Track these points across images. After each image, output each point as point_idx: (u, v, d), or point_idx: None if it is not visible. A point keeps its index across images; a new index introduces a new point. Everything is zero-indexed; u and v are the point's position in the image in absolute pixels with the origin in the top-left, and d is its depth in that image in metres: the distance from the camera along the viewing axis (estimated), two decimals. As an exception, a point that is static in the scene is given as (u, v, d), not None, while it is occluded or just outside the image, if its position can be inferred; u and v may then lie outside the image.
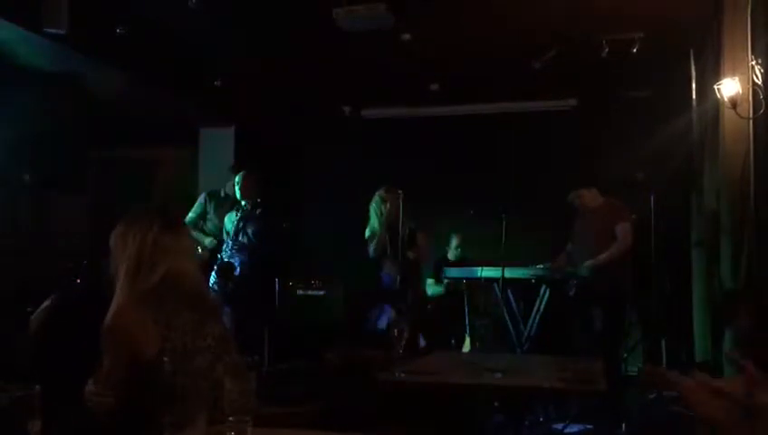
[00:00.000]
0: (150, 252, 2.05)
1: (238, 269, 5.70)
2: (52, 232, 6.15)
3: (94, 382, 1.99)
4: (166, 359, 1.89)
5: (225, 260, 5.69)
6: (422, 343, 6.39)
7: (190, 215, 5.99)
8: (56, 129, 5.60)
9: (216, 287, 5.52)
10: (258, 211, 5.79)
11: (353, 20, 4.93)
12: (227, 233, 5.79)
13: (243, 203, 5.76)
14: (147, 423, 1.84)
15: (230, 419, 1.73)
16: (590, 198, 5.41)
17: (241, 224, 5.71)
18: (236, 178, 5.85)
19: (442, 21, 5.36)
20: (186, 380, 1.91)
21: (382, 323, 5.53)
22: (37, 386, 1.48)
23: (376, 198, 5.55)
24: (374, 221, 5.51)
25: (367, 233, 5.55)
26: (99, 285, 2.05)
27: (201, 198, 6.16)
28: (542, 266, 5.62)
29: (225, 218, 5.88)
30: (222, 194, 6.12)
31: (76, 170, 5.83)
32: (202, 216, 6.05)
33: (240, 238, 5.72)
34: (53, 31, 4.65)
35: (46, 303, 2.65)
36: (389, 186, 5.54)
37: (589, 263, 5.17)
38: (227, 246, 5.72)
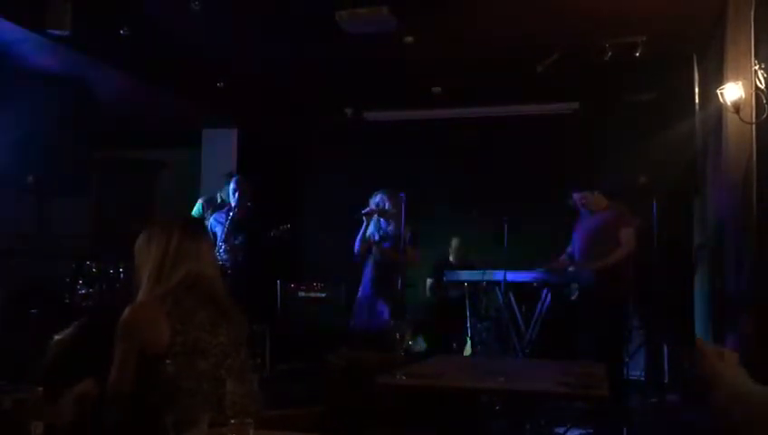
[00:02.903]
0: (172, 257, 2.15)
1: (230, 271, 5.73)
2: (54, 233, 6.16)
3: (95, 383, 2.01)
4: (168, 361, 1.89)
5: (220, 262, 5.72)
6: (423, 346, 6.39)
7: None
8: (59, 130, 5.61)
9: None
10: (249, 216, 5.84)
11: (356, 22, 4.93)
12: (215, 235, 5.82)
13: (233, 207, 5.79)
14: (150, 423, 1.84)
15: (232, 420, 1.73)
16: (594, 201, 5.41)
17: (231, 227, 5.74)
18: (231, 184, 5.89)
19: (444, 24, 5.36)
20: (190, 381, 1.93)
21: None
22: (40, 388, 1.48)
23: (371, 199, 5.67)
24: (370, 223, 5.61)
25: (359, 234, 5.65)
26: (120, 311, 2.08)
27: (198, 206, 6.17)
28: (543, 270, 5.62)
29: (212, 220, 5.90)
30: (218, 200, 6.13)
31: (79, 172, 5.83)
32: None
33: (232, 241, 5.75)
34: (57, 32, 4.66)
35: (69, 330, 2.62)
36: (387, 189, 5.64)
37: (592, 266, 5.16)
38: (219, 248, 5.74)
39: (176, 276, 2.12)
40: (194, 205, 6.30)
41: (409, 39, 5.54)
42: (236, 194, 5.79)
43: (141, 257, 2.20)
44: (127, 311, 2.04)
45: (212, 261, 2.31)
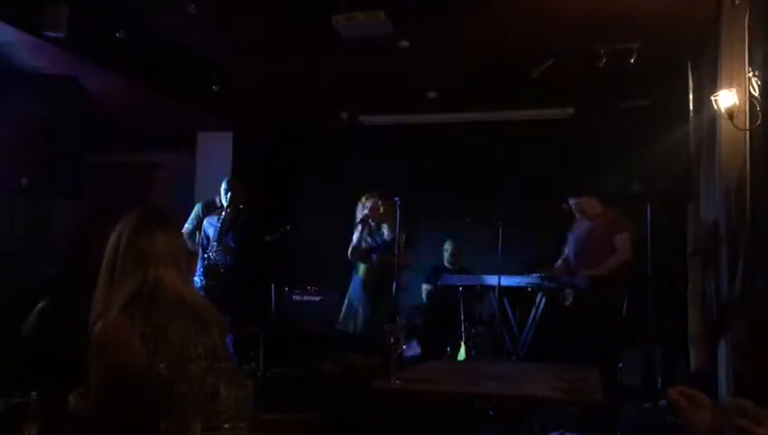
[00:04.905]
0: (122, 255, 1.97)
1: (223, 271, 5.74)
2: (49, 237, 6.14)
3: (81, 395, 1.96)
4: (161, 368, 1.85)
5: (212, 262, 5.74)
6: (417, 350, 6.40)
7: (186, 226, 6.00)
8: (54, 132, 5.60)
9: (201, 289, 5.57)
10: (241, 217, 5.86)
11: (352, 27, 4.93)
12: (207, 237, 5.84)
13: (225, 208, 5.81)
14: (142, 430, 1.82)
15: (225, 425, 1.73)
16: (589, 206, 5.42)
17: (224, 228, 5.76)
18: (223, 184, 5.91)
19: (440, 28, 5.37)
20: (183, 386, 1.89)
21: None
22: (34, 392, 1.48)
23: (359, 203, 5.70)
24: (357, 224, 5.65)
25: (354, 237, 5.67)
26: (86, 288, 1.98)
27: (197, 209, 6.17)
28: (538, 275, 5.63)
29: (205, 222, 5.93)
30: (218, 204, 6.14)
31: (74, 175, 5.82)
32: (198, 227, 6.06)
33: (224, 241, 5.78)
34: (53, 34, 4.65)
35: (39, 305, 2.64)
36: (373, 190, 5.67)
37: (588, 273, 5.17)
38: (211, 248, 5.77)
39: (128, 278, 1.94)
40: (189, 208, 6.30)
41: (405, 43, 5.55)
42: (228, 195, 5.81)
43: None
44: (97, 330, 1.88)
45: (173, 258, 2.04)
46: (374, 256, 5.67)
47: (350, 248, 5.69)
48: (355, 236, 5.66)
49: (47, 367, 2.50)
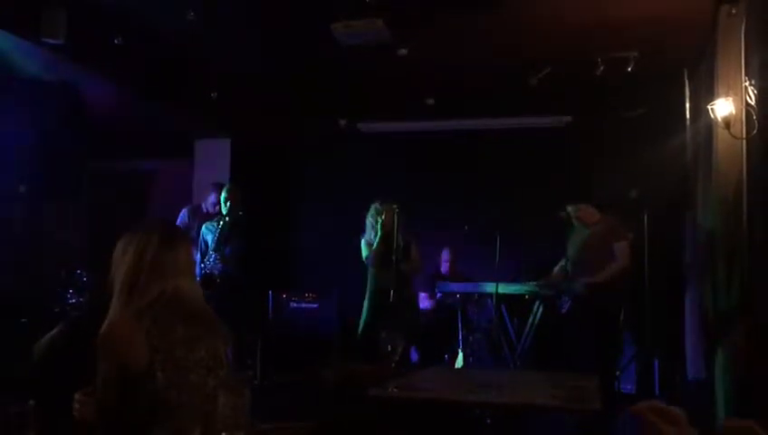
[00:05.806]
0: (147, 270, 2.01)
1: (219, 280, 5.73)
2: (47, 243, 6.13)
3: (86, 395, 1.98)
4: (159, 372, 1.87)
5: (208, 271, 5.73)
6: (415, 357, 6.38)
7: None
8: (52, 139, 5.60)
9: None
10: (239, 225, 5.85)
11: (351, 35, 4.95)
12: (206, 243, 5.83)
13: (224, 216, 5.80)
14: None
15: (223, 433, 1.73)
16: (587, 214, 5.43)
17: (222, 236, 5.75)
18: (222, 193, 5.90)
19: (438, 36, 5.39)
20: (180, 394, 1.90)
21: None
22: (31, 401, 1.47)
23: (372, 210, 5.60)
24: (369, 233, 5.55)
25: (363, 244, 5.58)
26: (103, 312, 1.99)
27: (184, 215, 6.16)
28: (535, 283, 5.63)
29: (204, 229, 5.91)
30: (204, 210, 6.12)
31: (72, 181, 5.82)
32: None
33: (222, 250, 5.76)
34: (51, 41, 4.66)
35: (53, 331, 2.62)
36: (385, 198, 5.59)
37: (587, 281, 5.17)
38: (209, 257, 5.74)
39: (150, 291, 2.00)
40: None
41: (403, 51, 5.56)
42: (228, 203, 5.80)
43: (116, 265, 2.06)
44: (104, 328, 1.94)
45: (190, 271, 2.15)
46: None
47: (370, 255, 5.51)
48: (375, 242, 5.48)
49: (52, 391, 2.48)
